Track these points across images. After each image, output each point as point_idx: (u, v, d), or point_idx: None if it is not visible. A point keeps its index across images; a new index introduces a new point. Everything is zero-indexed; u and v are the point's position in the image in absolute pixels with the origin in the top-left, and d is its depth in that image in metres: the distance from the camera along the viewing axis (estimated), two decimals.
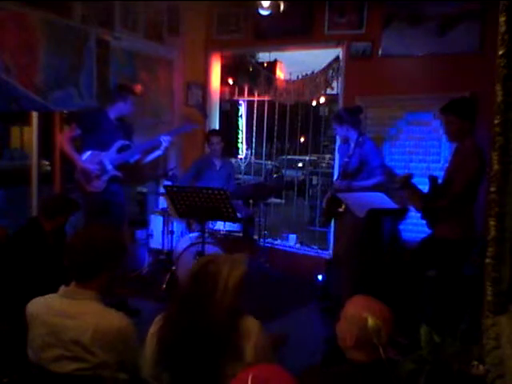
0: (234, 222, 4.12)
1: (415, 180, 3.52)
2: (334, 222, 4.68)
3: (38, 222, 3.17)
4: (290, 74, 5.61)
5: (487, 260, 1.24)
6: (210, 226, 4.67)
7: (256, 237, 5.06)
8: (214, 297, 1.67)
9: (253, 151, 7.36)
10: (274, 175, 10.63)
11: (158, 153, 4.34)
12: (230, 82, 5.95)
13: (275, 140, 6.72)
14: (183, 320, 1.68)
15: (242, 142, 8.89)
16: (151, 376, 1.78)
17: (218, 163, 5.08)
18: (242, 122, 8.67)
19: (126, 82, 4.74)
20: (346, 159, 4.04)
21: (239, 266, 1.76)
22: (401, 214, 4.15)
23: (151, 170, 5.52)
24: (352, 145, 4.01)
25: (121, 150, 4.15)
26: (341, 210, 3.97)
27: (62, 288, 1.93)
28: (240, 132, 8.99)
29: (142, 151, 4.27)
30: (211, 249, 4.27)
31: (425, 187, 3.51)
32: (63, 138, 4.13)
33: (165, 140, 4.24)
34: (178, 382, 1.68)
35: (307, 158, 7.80)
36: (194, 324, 1.65)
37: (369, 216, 3.57)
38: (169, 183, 4.47)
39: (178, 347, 1.66)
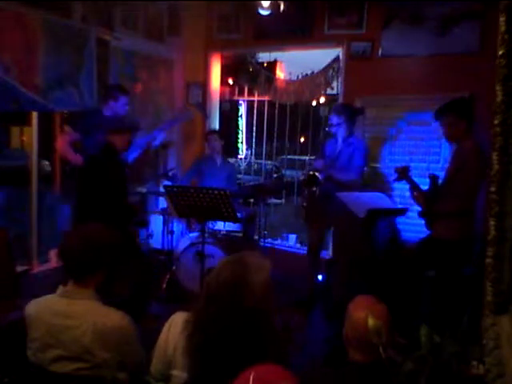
0: (234, 221, 4.11)
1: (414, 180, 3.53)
2: (334, 223, 4.67)
3: (110, 145, 3.60)
4: (290, 73, 5.60)
5: (487, 260, 1.24)
6: (210, 226, 4.67)
7: (256, 237, 5.06)
8: (245, 300, 1.58)
9: (253, 151, 7.36)
10: (274, 175, 10.62)
11: (155, 143, 4.48)
12: (230, 82, 5.96)
13: (275, 140, 6.71)
14: (215, 324, 1.59)
15: (242, 142, 8.90)
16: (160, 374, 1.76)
17: (218, 160, 5.12)
18: (242, 122, 8.67)
19: (123, 82, 4.74)
20: (334, 156, 4.14)
21: (265, 270, 1.67)
22: (400, 213, 4.15)
23: (151, 169, 5.53)
24: (340, 141, 4.09)
25: None
26: (314, 189, 4.11)
27: (61, 288, 1.94)
28: (240, 132, 8.99)
29: (138, 147, 4.31)
30: (211, 249, 4.27)
31: (425, 187, 3.52)
32: (62, 145, 4.03)
33: (159, 135, 4.39)
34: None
35: (307, 157, 7.79)
36: (227, 328, 1.57)
37: (368, 216, 3.58)
38: (169, 183, 4.47)
39: (210, 349, 1.58)
